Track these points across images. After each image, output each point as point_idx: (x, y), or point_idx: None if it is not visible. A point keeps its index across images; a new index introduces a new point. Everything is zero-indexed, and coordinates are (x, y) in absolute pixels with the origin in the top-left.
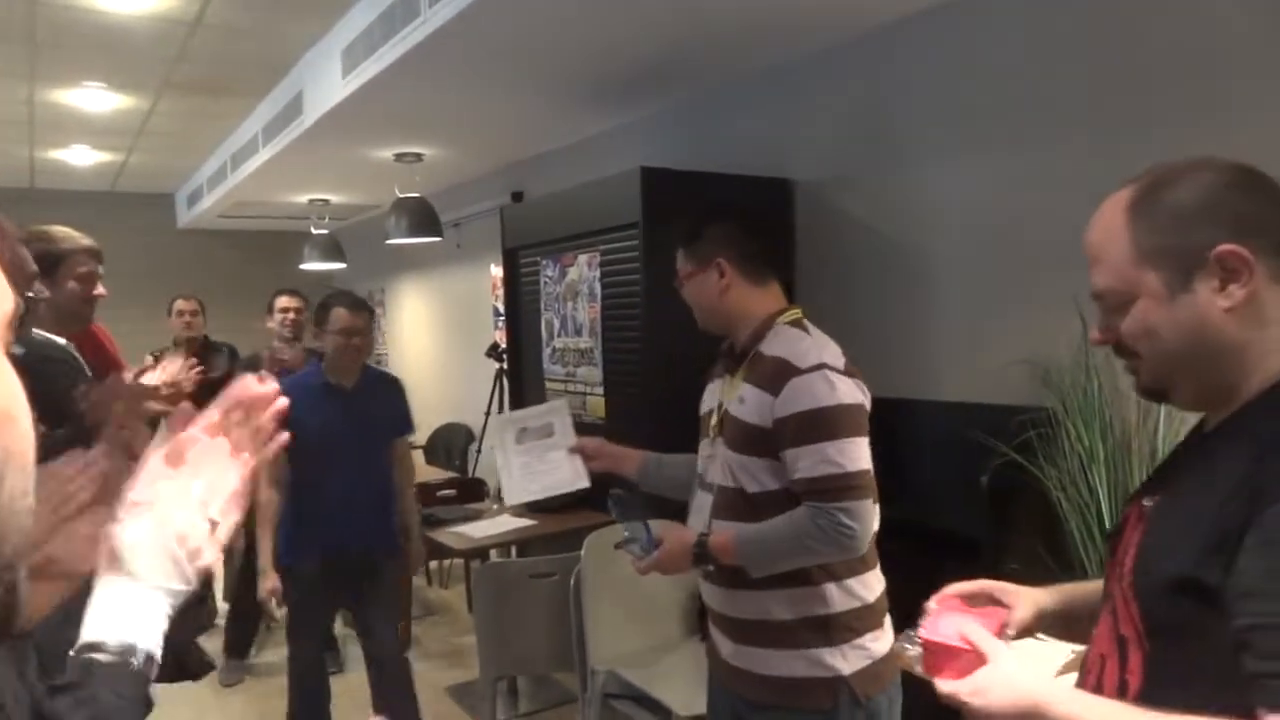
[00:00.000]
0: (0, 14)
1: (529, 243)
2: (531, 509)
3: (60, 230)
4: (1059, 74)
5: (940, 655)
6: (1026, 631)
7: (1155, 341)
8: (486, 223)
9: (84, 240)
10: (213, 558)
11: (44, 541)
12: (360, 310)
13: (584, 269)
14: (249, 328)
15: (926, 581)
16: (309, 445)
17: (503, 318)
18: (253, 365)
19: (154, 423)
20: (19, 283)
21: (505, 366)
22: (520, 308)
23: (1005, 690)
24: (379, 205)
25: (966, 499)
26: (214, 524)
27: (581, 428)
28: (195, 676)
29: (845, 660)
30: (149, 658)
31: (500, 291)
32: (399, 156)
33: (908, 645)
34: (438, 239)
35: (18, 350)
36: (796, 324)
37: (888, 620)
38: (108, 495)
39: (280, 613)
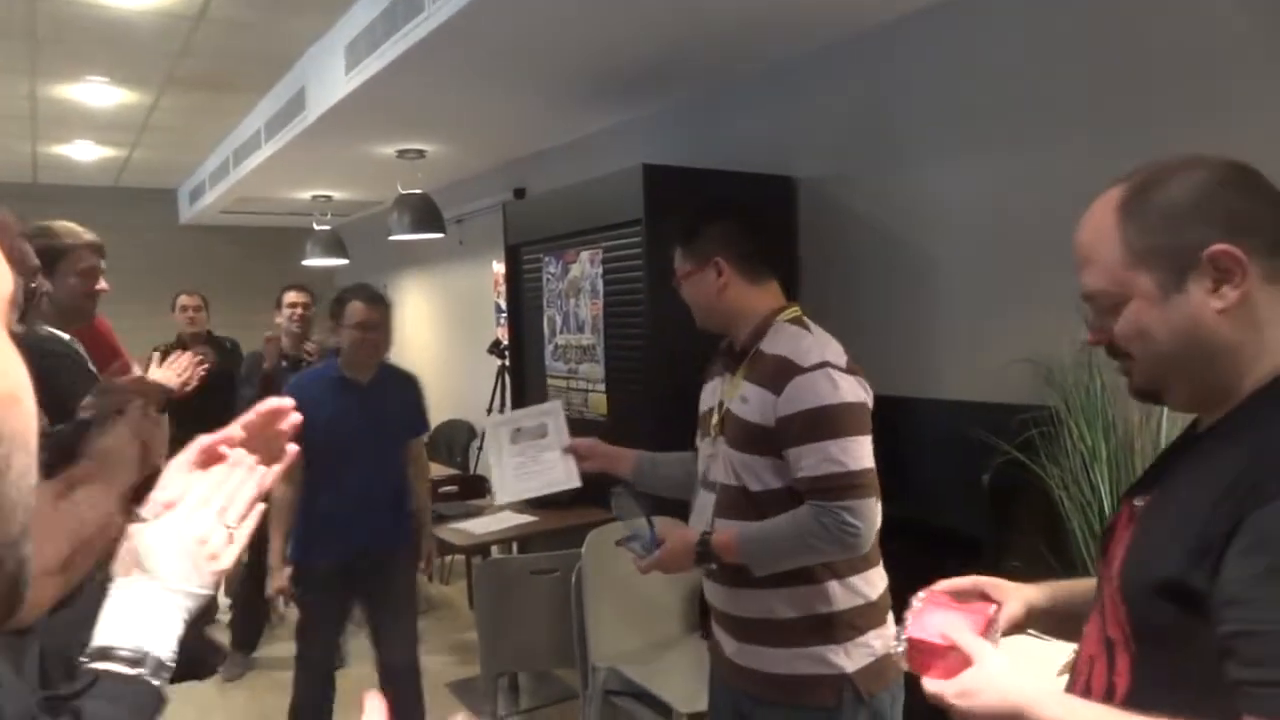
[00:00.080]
0: (2, 8)
1: (531, 239)
2: (533, 505)
3: (63, 225)
4: (1062, 72)
5: (926, 654)
6: (1017, 628)
7: (1148, 343)
8: (489, 219)
9: (86, 235)
10: (229, 563)
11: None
12: (377, 304)
13: (586, 266)
14: (252, 323)
15: (928, 580)
16: (321, 440)
17: (505, 314)
18: (255, 361)
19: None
20: (20, 274)
21: (507, 363)
22: (522, 304)
23: (991, 692)
24: (381, 201)
25: (968, 498)
26: (231, 531)
27: (583, 425)
28: (203, 675)
29: (849, 658)
30: (160, 664)
31: (502, 288)
32: (401, 153)
33: (894, 643)
34: (440, 235)
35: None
36: (797, 321)
37: (890, 617)
38: (149, 460)
39: (289, 610)
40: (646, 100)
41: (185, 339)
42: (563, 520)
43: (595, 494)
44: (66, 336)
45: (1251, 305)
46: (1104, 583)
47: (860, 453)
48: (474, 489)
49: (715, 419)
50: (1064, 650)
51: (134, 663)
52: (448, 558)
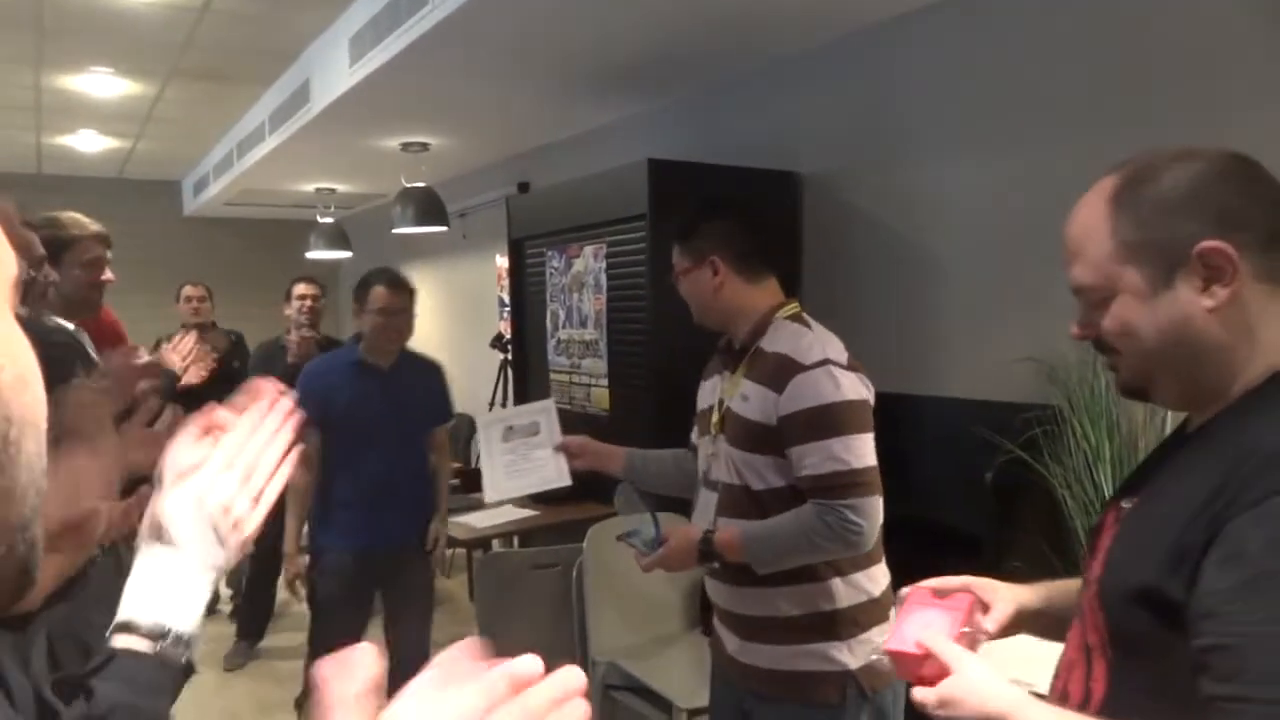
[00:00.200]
0: None
1: (535, 233)
2: (535, 499)
3: (69, 216)
4: (1067, 70)
5: (910, 662)
6: (1009, 630)
7: (1135, 341)
8: (492, 213)
9: (92, 226)
10: (253, 530)
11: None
12: (400, 289)
13: (590, 260)
14: (255, 315)
15: (930, 578)
16: (339, 424)
17: (508, 308)
18: (269, 353)
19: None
20: (29, 263)
21: (510, 357)
22: (525, 299)
23: (971, 701)
24: (385, 194)
25: (971, 496)
26: (256, 496)
27: (586, 420)
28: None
29: (852, 655)
30: (180, 639)
31: (505, 282)
32: (405, 146)
33: (874, 655)
34: (444, 229)
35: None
36: (796, 318)
37: (893, 613)
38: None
39: (297, 599)
40: (651, 95)
41: (189, 330)
42: (564, 515)
43: (597, 489)
44: (71, 326)
45: (1242, 304)
46: (1085, 586)
47: (863, 450)
48: (476, 483)
49: (716, 417)
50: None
51: (154, 638)
52: (449, 551)
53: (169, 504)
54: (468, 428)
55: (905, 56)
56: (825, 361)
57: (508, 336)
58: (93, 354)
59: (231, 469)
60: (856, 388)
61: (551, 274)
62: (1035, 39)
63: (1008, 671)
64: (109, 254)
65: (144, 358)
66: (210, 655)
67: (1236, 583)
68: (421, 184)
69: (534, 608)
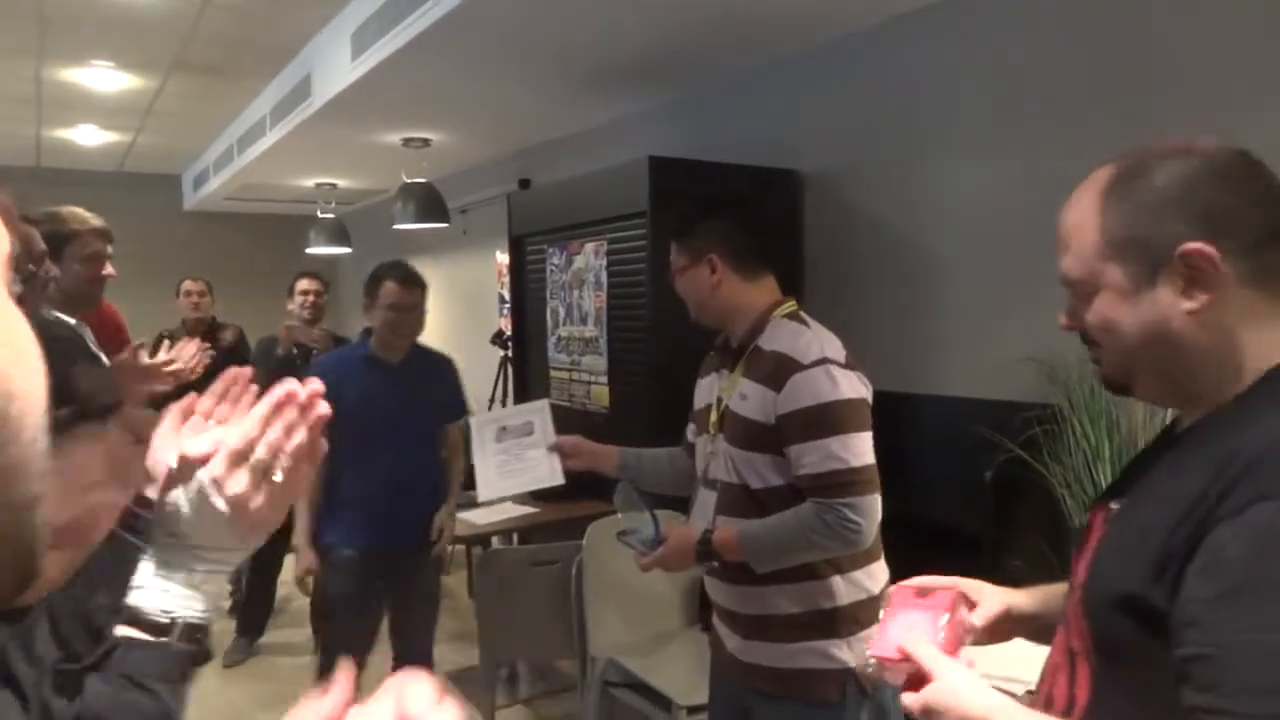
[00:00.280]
0: None
1: (536, 230)
2: (535, 496)
3: (70, 211)
4: (1069, 69)
5: (896, 667)
6: (998, 634)
7: (1115, 337)
8: (493, 209)
9: (93, 221)
10: (275, 519)
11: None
12: (412, 285)
13: (590, 258)
14: (255, 310)
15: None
16: (348, 420)
17: (508, 305)
18: (269, 346)
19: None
20: (30, 258)
21: (510, 354)
22: (526, 295)
23: (954, 707)
24: (386, 190)
25: (971, 495)
26: (275, 485)
27: (586, 417)
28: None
29: (851, 652)
30: (190, 628)
31: (506, 279)
32: (407, 141)
33: (866, 663)
34: (444, 225)
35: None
36: (794, 317)
37: (882, 615)
38: (118, 473)
39: (308, 590)
40: (653, 92)
41: (189, 324)
42: (564, 512)
43: (596, 487)
44: (72, 321)
45: (1225, 308)
46: (1070, 591)
47: (861, 449)
48: (475, 480)
49: (714, 416)
50: None
51: (161, 630)
52: (449, 548)
53: (174, 493)
54: (467, 425)
55: (907, 55)
56: (823, 360)
57: (508, 333)
58: (94, 348)
59: (242, 461)
60: (854, 386)
61: (552, 271)
62: (1036, 38)
63: (1005, 671)
64: (110, 249)
65: (147, 359)
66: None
67: (1217, 592)
68: (422, 180)
69: (533, 605)
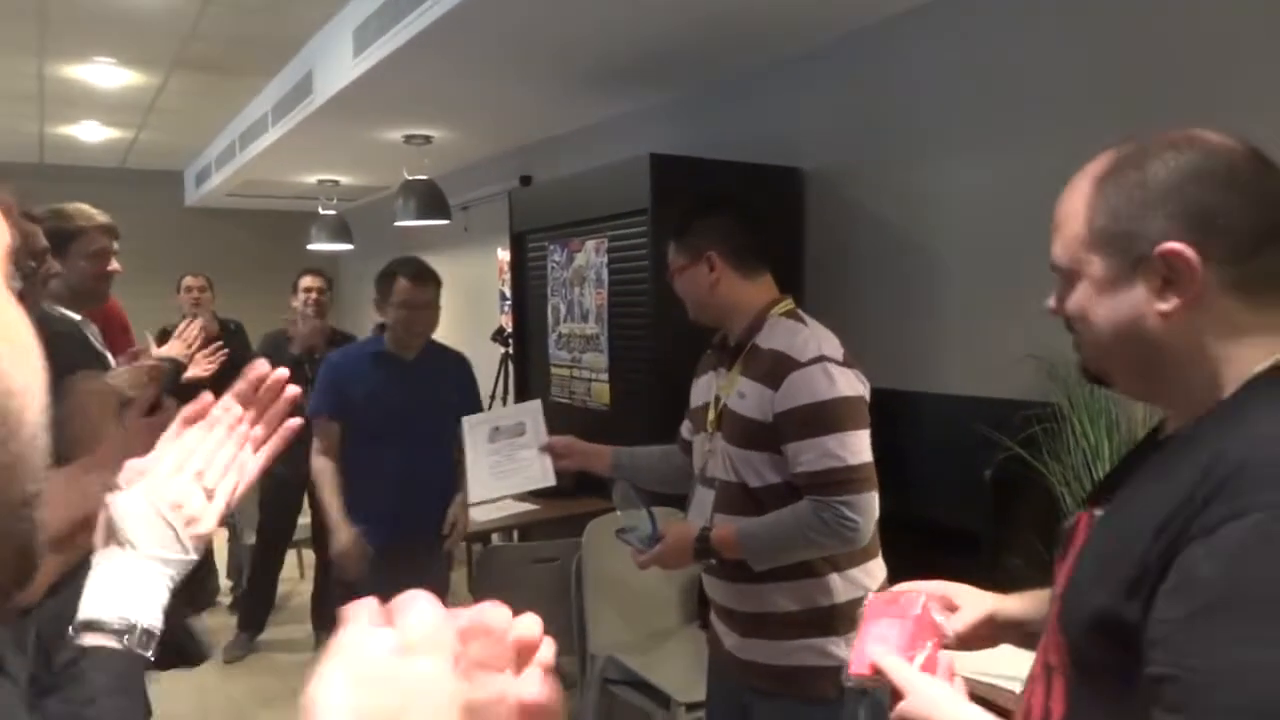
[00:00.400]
0: None
1: (537, 227)
2: (534, 493)
3: (75, 207)
4: (1071, 67)
5: (874, 681)
6: (984, 640)
7: (1089, 330)
8: (494, 206)
9: (99, 217)
10: (211, 525)
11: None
12: (425, 282)
13: (591, 255)
14: (256, 305)
15: (927, 576)
16: (360, 416)
17: (509, 302)
18: (275, 343)
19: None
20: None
21: (511, 351)
22: (527, 292)
23: None
24: (387, 187)
25: (970, 493)
26: (210, 492)
27: (586, 414)
28: (192, 663)
29: (849, 650)
30: (146, 634)
31: (507, 276)
32: (408, 138)
33: (847, 678)
34: (445, 222)
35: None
36: (791, 315)
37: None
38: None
39: (351, 571)
40: (654, 89)
41: (193, 318)
42: (563, 509)
43: (596, 484)
44: (77, 317)
45: (1202, 314)
46: (1051, 601)
47: (858, 447)
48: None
49: (712, 415)
50: None
51: (121, 634)
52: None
53: (120, 504)
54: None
55: (909, 53)
56: (821, 358)
57: (509, 331)
58: (99, 345)
59: (181, 470)
60: (852, 384)
61: (553, 268)
62: (1037, 35)
63: (1003, 669)
64: (115, 245)
65: (149, 360)
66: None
67: (1188, 612)
68: (423, 176)
69: (533, 602)
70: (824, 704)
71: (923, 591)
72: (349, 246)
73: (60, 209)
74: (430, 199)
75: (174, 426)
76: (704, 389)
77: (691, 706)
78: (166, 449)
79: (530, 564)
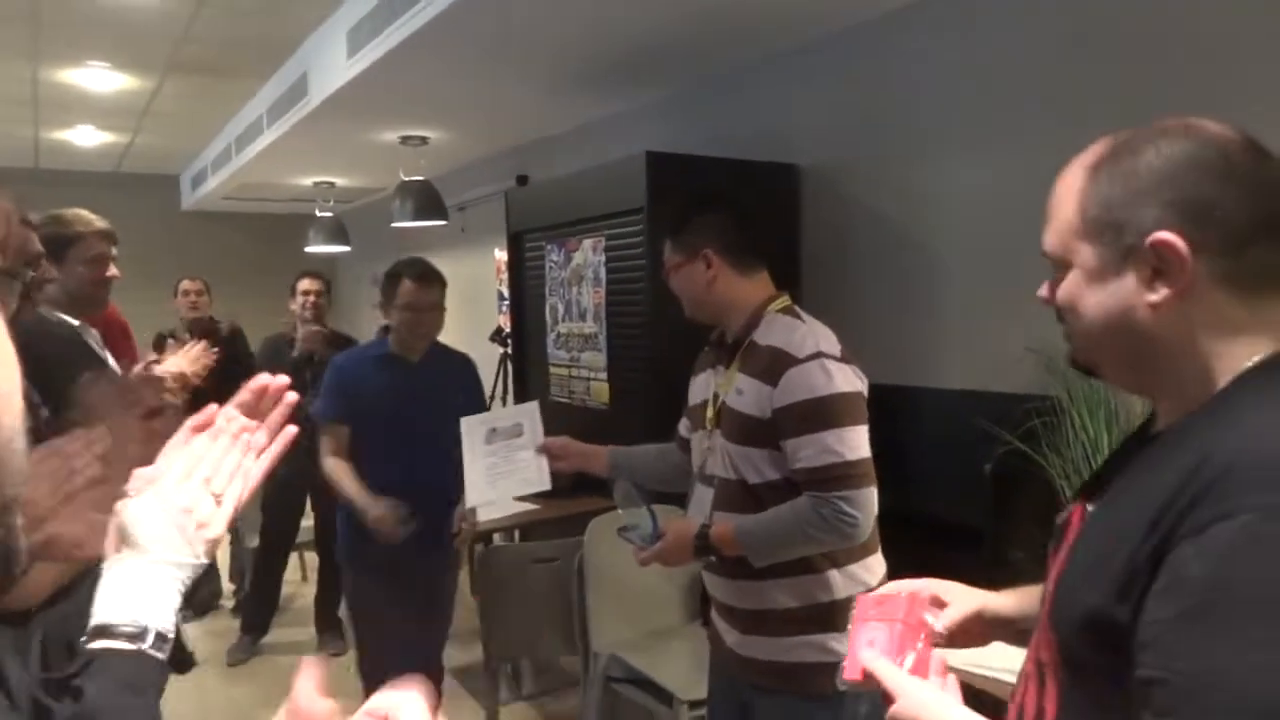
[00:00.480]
0: None
1: (534, 227)
2: (535, 494)
3: (73, 213)
4: (1069, 63)
5: (866, 685)
6: (975, 638)
7: (1078, 319)
8: (491, 206)
9: (98, 223)
10: (220, 530)
11: (46, 521)
12: (429, 284)
13: (589, 254)
14: (254, 309)
15: (928, 571)
16: (366, 418)
17: (507, 302)
18: (276, 346)
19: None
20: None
21: (509, 351)
22: (524, 292)
23: None
24: (384, 188)
25: (970, 487)
26: (218, 497)
27: (585, 413)
28: (180, 670)
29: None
30: (160, 637)
31: (504, 275)
32: (404, 139)
33: (841, 683)
34: (442, 222)
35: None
36: (788, 311)
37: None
38: (111, 476)
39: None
40: (650, 87)
41: (187, 324)
42: (565, 509)
43: (596, 483)
44: (75, 322)
45: (1193, 306)
46: (1043, 600)
47: (857, 442)
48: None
49: (710, 412)
50: None
51: (134, 638)
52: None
53: (131, 510)
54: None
55: (905, 49)
56: (818, 354)
57: (507, 330)
58: (98, 350)
59: (190, 477)
60: (850, 379)
61: (550, 267)
62: (1035, 30)
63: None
64: (114, 251)
65: (152, 370)
66: (213, 651)
67: (1177, 613)
68: (420, 177)
69: (534, 601)
70: (824, 700)
71: (910, 590)
72: (346, 248)
73: (58, 214)
74: (427, 200)
75: (181, 434)
76: (702, 386)
77: (694, 704)
78: (175, 456)
79: (531, 564)
